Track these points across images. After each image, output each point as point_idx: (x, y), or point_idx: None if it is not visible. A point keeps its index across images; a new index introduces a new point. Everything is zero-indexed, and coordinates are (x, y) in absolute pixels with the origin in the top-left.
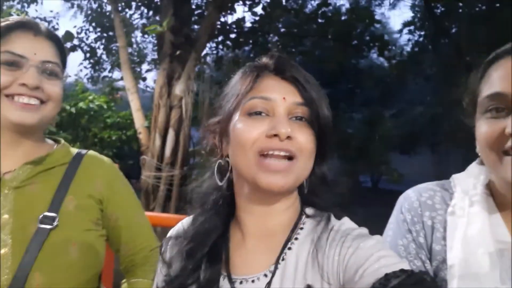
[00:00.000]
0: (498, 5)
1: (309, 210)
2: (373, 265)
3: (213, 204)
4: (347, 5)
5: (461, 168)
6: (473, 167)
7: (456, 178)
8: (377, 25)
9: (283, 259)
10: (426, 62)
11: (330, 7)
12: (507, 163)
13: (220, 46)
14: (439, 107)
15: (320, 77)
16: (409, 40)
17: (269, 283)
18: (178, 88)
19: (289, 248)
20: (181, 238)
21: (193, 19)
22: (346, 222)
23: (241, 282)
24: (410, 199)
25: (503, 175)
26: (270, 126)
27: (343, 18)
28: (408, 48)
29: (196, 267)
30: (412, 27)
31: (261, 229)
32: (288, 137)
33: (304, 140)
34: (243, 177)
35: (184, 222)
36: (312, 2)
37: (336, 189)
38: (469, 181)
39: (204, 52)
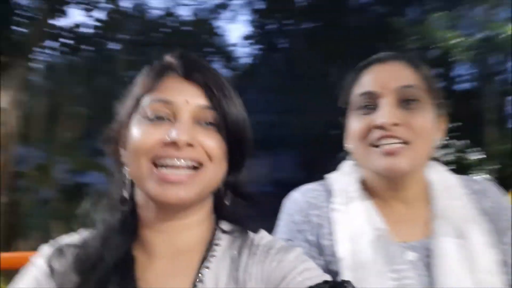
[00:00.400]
0: (324, 23)
1: (224, 225)
2: (297, 278)
3: (116, 219)
4: (191, 16)
5: (292, 169)
6: (346, 165)
7: (331, 177)
8: (219, 37)
9: (200, 281)
10: (263, 73)
11: (174, 17)
12: (375, 154)
13: (54, 52)
14: (274, 115)
15: None
16: (248, 53)
17: None
18: (2, 100)
19: (206, 268)
20: (78, 249)
21: (21, 21)
22: (265, 236)
23: None
24: (296, 201)
25: (372, 166)
26: (168, 132)
27: (186, 28)
28: (247, 60)
29: (100, 282)
30: (250, 41)
31: (170, 248)
32: (190, 145)
33: (212, 145)
34: (139, 188)
35: (81, 233)
36: (157, 11)
37: (249, 199)
38: (344, 179)
39: (34, 58)
